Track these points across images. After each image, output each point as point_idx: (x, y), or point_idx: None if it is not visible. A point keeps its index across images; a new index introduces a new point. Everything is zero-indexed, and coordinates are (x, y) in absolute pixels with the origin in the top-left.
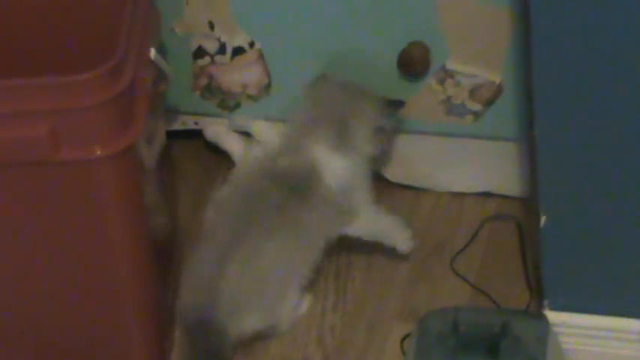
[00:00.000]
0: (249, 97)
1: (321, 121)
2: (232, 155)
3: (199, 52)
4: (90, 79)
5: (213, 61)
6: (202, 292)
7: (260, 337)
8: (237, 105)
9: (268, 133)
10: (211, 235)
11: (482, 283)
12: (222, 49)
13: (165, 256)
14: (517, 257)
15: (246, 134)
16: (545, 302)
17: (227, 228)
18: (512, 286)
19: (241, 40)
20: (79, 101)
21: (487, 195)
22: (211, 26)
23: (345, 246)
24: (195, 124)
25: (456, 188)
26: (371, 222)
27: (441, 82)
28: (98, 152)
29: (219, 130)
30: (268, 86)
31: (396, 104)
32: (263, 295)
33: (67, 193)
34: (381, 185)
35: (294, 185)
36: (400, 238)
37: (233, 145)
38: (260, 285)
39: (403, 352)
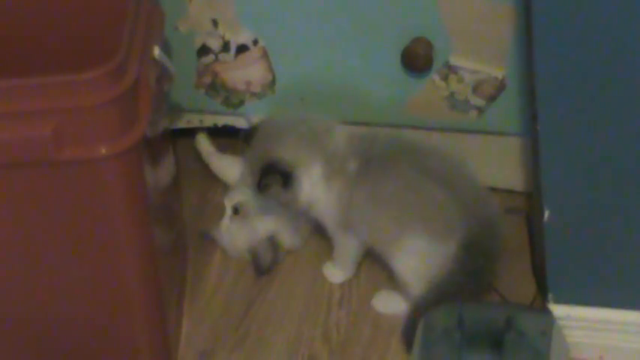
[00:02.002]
0: (253, 94)
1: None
2: (226, 179)
3: (203, 50)
4: (94, 78)
5: (217, 59)
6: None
7: None
8: (242, 102)
9: None
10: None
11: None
12: (226, 47)
13: (171, 253)
14: (524, 251)
15: None
16: (550, 296)
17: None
18: (520, 280)
19: (245, 38)
20: (83, 100)
21: (491, 190)
22: (215, 24)
23: None
24: (200, 122)
25: None
26: None
27: (445, 78)
28: (103, 151)
29: (209, 152)
30: (272, 83)
31: None
32: None
33: (71, 192)
34: None
35: None
36: None
37: (227, 170)
38: None
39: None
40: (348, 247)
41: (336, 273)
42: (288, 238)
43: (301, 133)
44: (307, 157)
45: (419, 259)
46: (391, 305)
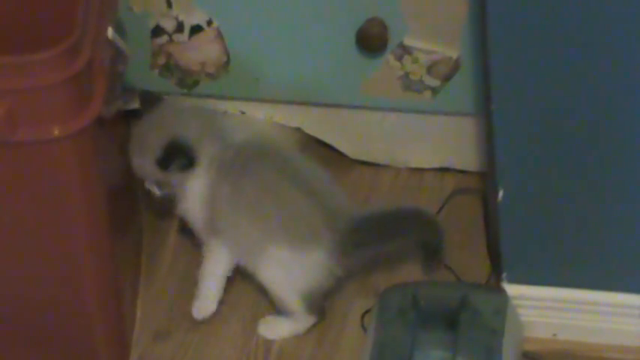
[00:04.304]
0: (208, 75)
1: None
2: None
3: (157, 31)
4: (47, 59)
5: (171, 40)
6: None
7: None
8: (196, 83)
9: None
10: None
11: (445, 256)
12: (180, 28)
13: (125, 235)
14: (479, 231)
15: None
16: (504, 275)
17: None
18: (475, 260)
19: (199, 19)
20: (36, 81)
21: (445, 170)
22: (169, 4)
23: None
24: None
25: (415, 164)
26: None
27: (399, 58)
28: (56, 132)
29: None
30: (227, 64)
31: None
32: None
33: (25, 173)
34: (340, 162)
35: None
36: None
37: None
38: None
39: (364, 328)
40: (217, 261)
41: (198, 304)
42: None
43: (204, 122)
44: (207, 146)
45: (283, 271)
46: (277, 330)
